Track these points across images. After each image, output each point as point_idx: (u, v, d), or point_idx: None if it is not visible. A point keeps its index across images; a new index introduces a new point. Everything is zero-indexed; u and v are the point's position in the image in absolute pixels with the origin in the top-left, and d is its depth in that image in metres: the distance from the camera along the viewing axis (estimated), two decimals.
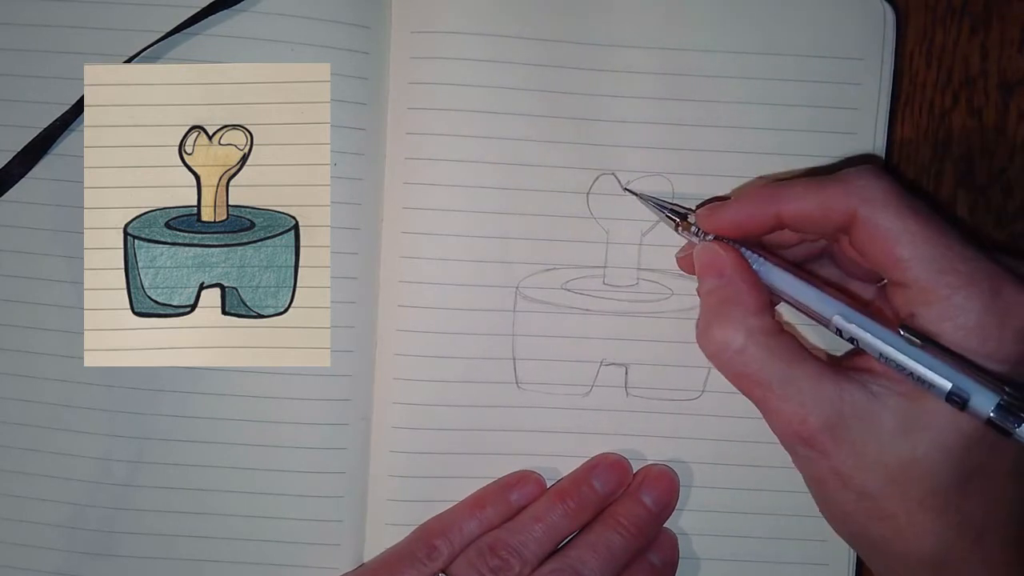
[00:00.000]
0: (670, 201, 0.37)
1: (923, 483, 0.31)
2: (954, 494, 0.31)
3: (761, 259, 0.34)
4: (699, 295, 0.35)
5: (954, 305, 0.30)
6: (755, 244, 0.35)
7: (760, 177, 0.38)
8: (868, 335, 0.31)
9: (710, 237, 0.35)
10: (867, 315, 0.32)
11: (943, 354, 0.30)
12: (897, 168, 0.39)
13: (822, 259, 0.37)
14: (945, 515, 0.31)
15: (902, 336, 0.31)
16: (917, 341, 0.30)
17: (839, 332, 0.33)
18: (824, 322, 0.33)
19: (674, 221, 0.37)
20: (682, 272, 0.39)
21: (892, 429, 0.31)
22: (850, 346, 0.33)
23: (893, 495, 0.31)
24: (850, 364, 0.33)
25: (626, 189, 0.38)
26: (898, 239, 0.31)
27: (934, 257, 0.31)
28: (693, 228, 0.36)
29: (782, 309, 0.37)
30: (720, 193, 0.38)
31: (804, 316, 0.34)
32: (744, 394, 0.33)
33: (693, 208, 0.37)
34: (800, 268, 0.35)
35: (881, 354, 0.31)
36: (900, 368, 0.31)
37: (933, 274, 0.31)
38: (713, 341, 0.33)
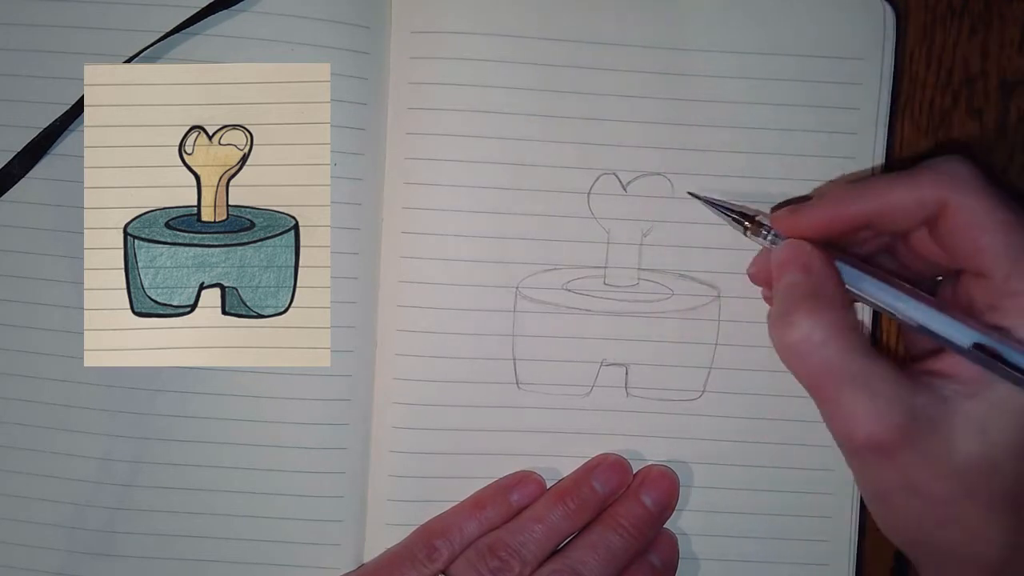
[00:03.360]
0: (738, 205, 0.37)
1: (995, 485, 0.30)
2: None
3: (841, 262, 0.34)
4: (767, 296, 0.35)
5: None
6: (831, 247, 0.34)
7: (841, 176, 0.38)
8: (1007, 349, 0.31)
9: (780, 241, 0.35)
10: (1003, 339, 0.31)
11: None
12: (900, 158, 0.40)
13: (881, 255, 0.36)
14: (1015, 519, 0.31)
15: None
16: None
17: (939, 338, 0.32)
18: (914, 329, 0.33)
19: (742, 225, 0.36)
20: (683, 273, 0.39)
21: (964, 432, 0.30)
22: None
23: (963, 500, 0.31)
24: (918, 368, 0.32)
25: (689, 193, 0.38)
26: (985, 227, 0.31)
27: (1019, 247, 0.30)
28: (764, 232, 0.35)
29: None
30: (719, 194, 0.38)
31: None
32: (816, 393, 0.32)
33: (764, 211, 0.36)
34: (880, 269, 0.34)
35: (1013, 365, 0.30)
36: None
37: (1017, 264, 0.30)
38: (795, 333, 0.32)
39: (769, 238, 0.35)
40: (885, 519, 0.34)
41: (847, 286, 0.33)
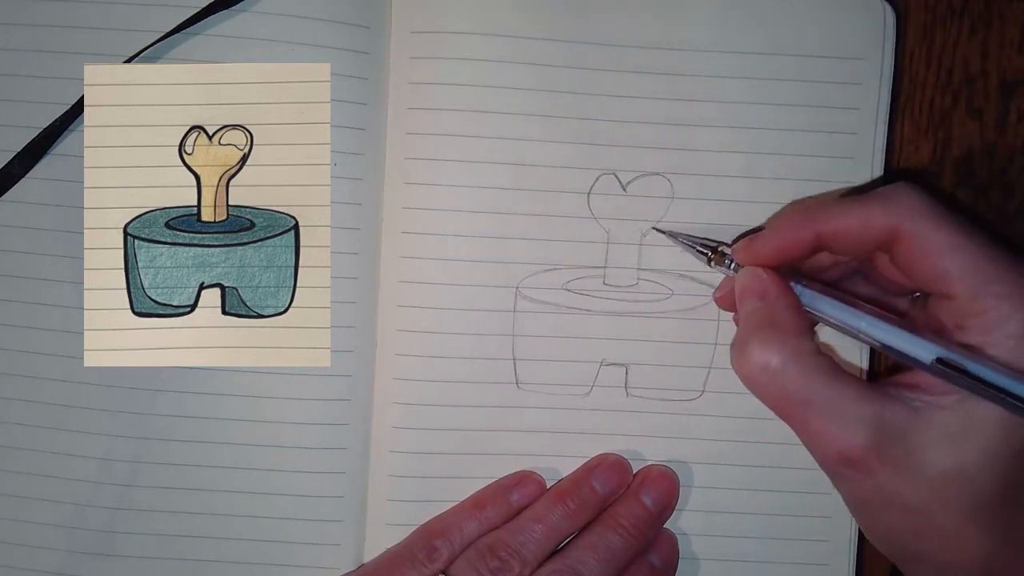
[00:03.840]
0: (700, 237, 0.37)
1: (969, 495, 0.31)
2: (1000, 505, 0.31)
3: (801, 286, 0.34)
4: (737, 320, 0.35)
5: (1002, 315, 0.30)
6: (793, 272, 0.35)
7: (793, 202, 0.38)
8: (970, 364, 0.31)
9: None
10: (962, 349, 0.31)
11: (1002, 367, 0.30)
12: (900, 169, 0.40)
13: (854, 277, 0.37)
14: (991, 526, 0.31)
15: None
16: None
17: (908, 357, 0.32)
18: (878, 348, 0.33)
19: (706, 256, 0.37)
20: (683, 273, 0.39)
21: (935, 443, 0.31)
22: None
23: (939, 509, 0.31)
24: (889, 381, 0.33)
25: (654, 228, 0.38)
26: (942, 252, 0.31)
27: (979, 268, 0.31)
28: (727, 261, 0.36)
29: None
30: (719, 194, 0.38)
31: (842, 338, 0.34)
32: (784, 418, 0.33)
33: (726, 242, 0.37)
34: (839, 290, 0.35)
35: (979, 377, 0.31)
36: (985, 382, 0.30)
37: (980, 284, 0.30)
38: (751, 362, 0.32)
39: (732, 267, 0.36)
40: (868, 529, 0.34)
41: (808, 309, 0.34)
